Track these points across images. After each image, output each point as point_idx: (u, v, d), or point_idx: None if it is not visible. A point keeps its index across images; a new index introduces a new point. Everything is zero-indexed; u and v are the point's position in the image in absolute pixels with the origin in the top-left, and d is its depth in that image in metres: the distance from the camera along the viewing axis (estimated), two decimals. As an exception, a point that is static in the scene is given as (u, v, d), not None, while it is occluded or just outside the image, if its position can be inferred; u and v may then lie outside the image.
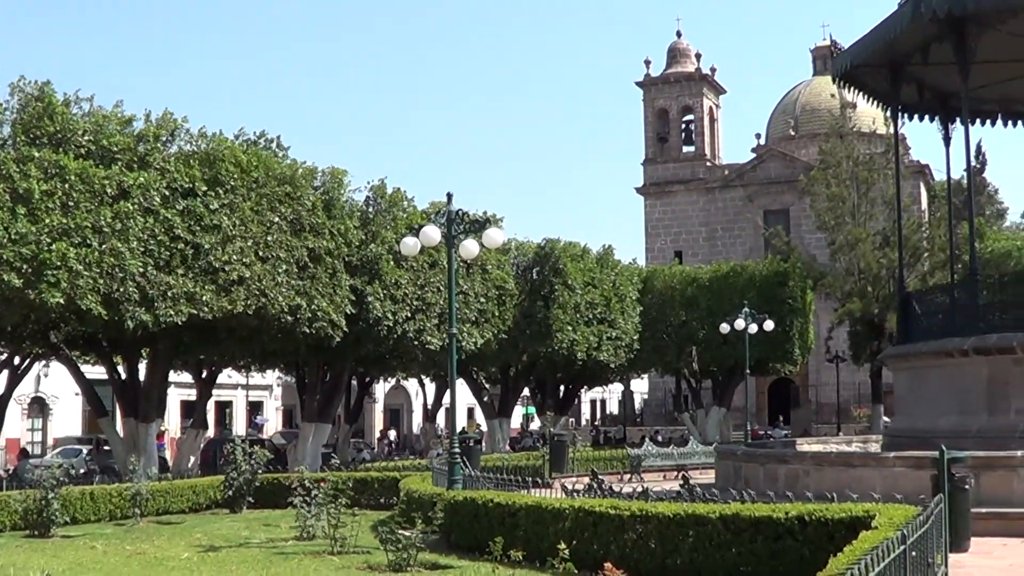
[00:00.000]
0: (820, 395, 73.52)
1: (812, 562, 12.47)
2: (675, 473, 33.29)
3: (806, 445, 31.79)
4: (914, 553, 10.04)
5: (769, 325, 44.71)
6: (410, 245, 24.29)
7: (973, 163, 37.70)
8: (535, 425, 65.45)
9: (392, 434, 69.30)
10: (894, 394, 32.45)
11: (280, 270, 31.64)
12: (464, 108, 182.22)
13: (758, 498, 16.98)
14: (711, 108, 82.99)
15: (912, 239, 52.64)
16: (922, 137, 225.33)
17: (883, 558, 8.44)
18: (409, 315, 36.41)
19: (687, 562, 14.96)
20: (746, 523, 14.60)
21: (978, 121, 32.20)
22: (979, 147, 76.56)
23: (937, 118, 31.42)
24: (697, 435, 49.25)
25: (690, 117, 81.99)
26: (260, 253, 31.18)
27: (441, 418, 62.56)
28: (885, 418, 50.27)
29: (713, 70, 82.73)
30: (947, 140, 31.29)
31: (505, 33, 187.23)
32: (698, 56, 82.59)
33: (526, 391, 57.14)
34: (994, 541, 16.72)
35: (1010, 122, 32.73)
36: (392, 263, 35.75)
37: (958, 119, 28.81)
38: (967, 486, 15.09)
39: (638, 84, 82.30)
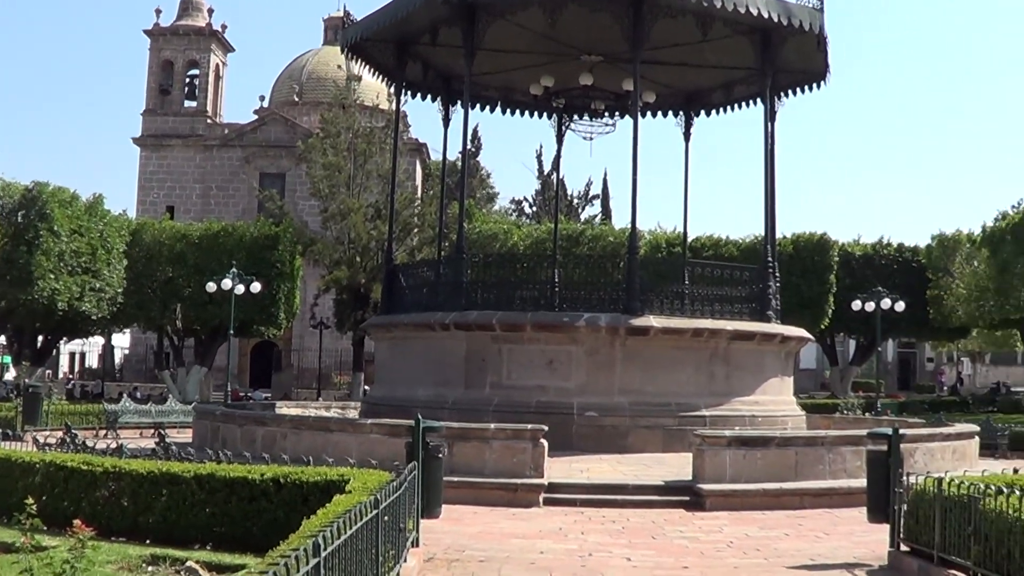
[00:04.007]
0: (302, 360, 74.13)
1: (286, 524, 12.40)
2: (153, 431, 32.58)
3: (285, 408, 31.88)
4: (387, 518, 10.14)
5: (256, 287, 44.42)
6: None
7: (469, 146, 38.99)
8: (9, 375, 62.30)
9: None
10: (375, 363, 33.08)
11: None
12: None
13: (235, 459, 16.79)
14: (218, 65, 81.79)
15: (404, 214, 54.03)
16: (423, 116, 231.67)
17: (355, 521, 8.45)
18: None
19: (160, 521, 14.54)
20: (220, 483, 14.35)
21: (479, 106, 33.36)
22: (476, 131, 79.79)
23: (439, 99, 32.25)
24: (177, 393, 48.40)
25: (195, 72, 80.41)
26: None
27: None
28: (366, 386, 51.29)
29: (224, 27, 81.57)
30: (447, 121, 32.18)
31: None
32: (210, 11, 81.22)
33: (2, 339, 54.24)
34: (465, 509, 17.28)
35: (508, 110, 34.10)
36: None
37: (459, 102, 29.65)
38: (441, 455, 15.49)
39: (146, 32, 79.88)
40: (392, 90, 32.62)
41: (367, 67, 30.76)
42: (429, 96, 32.42)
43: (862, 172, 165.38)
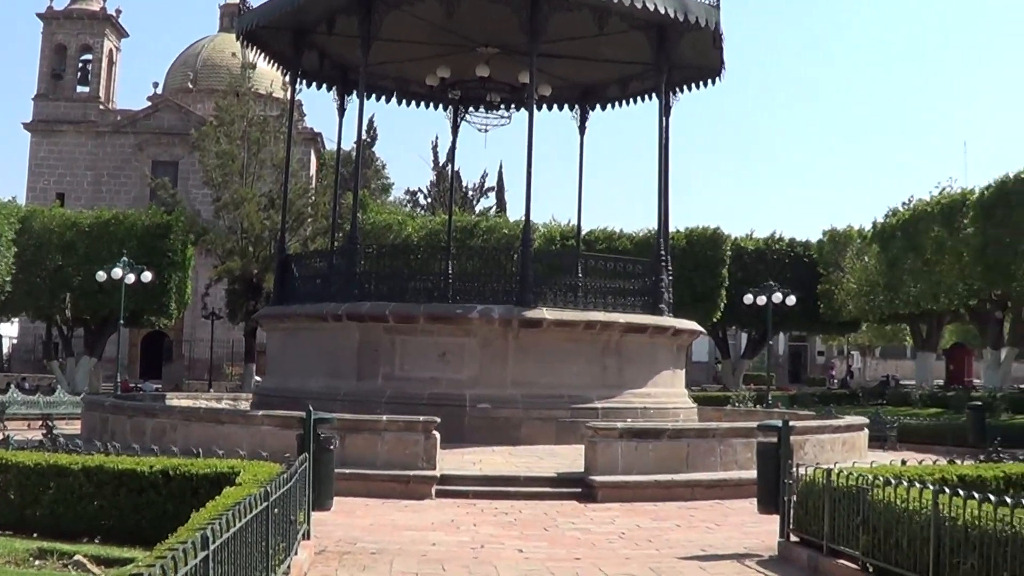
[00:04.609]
0: (194, 351, 73.27)
1: (176, 516, 12.23)
2: (40, 422, 32.00)
3: (176, 400, 31.53)
4: (277, 510, 10.05)
5: (147, 276, 43.82)
6: None
7: (364, 136, 38.82)
8: None
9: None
10: (267, 354, 32.84)
11: None
12: None
13: (124, 451, 16.53)
14: (111, 50, 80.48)
15: (297, 203, 53.72)
16: (318, 105, 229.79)
17: (245, 514, 8.34)
18: None
19: (48, 514, 14.27)
20: (109, 476, 14.12)
21: (374, 96, 33.21)
22: (371, 122, 79.46)
23: (335, 88, 32.05)
24: (66, 384, 47.62)
25: (89, 57, 79.03)
26: None
27: None
28: (257, 377, 50.87)
29: (118, 12, 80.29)
30: (342, 111, 32.01)
31: None
32: (107, -5, 79.99)
33: None
34: (356, 501, 17.21)
35: (404, 101, 34.01)
36: None
37: (355, 92, 29.48)
38: (332, 447, 15.38)
39: (39, 16, 78.36)
40: (288, 79, 32.36)
41: (263, 55, 30.51)
42: (325, 85, 32.21)
43: (755, 167, 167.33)
